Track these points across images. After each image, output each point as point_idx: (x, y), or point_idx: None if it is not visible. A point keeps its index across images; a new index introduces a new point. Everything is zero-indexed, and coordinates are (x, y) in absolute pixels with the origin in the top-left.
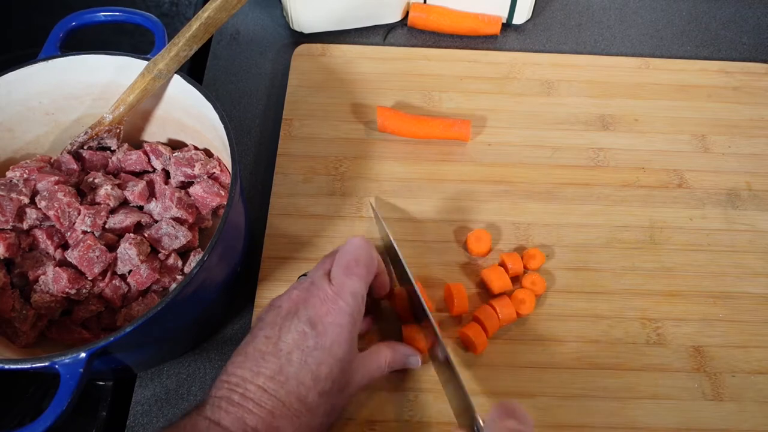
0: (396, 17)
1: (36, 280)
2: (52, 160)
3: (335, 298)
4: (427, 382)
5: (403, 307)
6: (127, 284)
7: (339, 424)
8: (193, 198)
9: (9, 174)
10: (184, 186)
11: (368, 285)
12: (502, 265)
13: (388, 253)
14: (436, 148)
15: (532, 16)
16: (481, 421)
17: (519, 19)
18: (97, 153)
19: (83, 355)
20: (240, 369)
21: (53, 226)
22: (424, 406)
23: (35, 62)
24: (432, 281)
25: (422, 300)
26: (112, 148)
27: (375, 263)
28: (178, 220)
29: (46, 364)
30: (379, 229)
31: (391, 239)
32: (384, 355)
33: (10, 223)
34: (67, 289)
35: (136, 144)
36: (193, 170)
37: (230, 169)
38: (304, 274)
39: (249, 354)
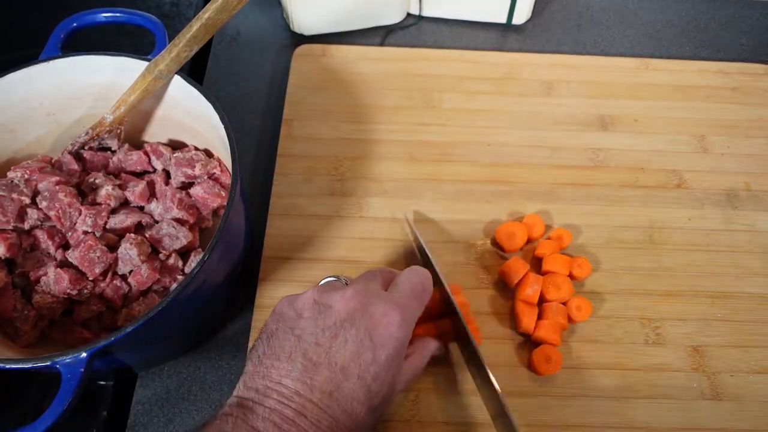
0: (396, 18)
1: (37, 281)
2: (53, 161)
3: (399, 312)
4: (427, 382)
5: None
6: (128, 284)
7: None
8: (193, 199)
9: (10, 174)
10: (185, 186)
11: (421, 312)
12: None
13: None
14: (436, 148)
15: (531, 17)
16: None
17: (518, 19)
18: (98, 153)
19: (84, 354)
20: (289, 379)
21: (54, 226)
22: (425, 406)
23: (36, 63)
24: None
25: (454, 302)
26: (112, 149)
27: (430, 295)
28: (179, 221)
29: (47, 363)
30: (413, 238)
31: (426, 249)
32: (422, 357)
33: (12, 224)
34: (68, 290)
35: (137, 144)
36: (193, 171)
37: (230, 169)
38: (336, 277)
39: (297, 362)
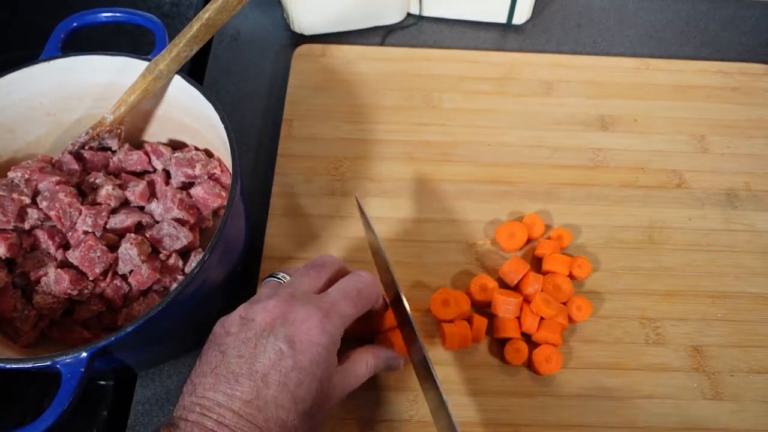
0: (396, 18)
1: (38, 281)
2: (53, 161)
3: (321, 317)
4: None
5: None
6: (128, 284)
7: (338, 424)
8: (194, 199)
9: (10, 174)
10: (185, 186)
11: (355, 318)
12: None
13: (374, 255)
14: (436, 148)
15: (531, 17)
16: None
17: (518, 19)
18: (98, 153)
19: (84, 354)
20: (212, 392)
21: (54, 226)
22: (424, 406)
23: (36, 63)
24: (431, 282)
25: (407, 307)
26: (113, 149)
27: (373, 302)
28: (180, 221)
29: (48, 363)
30: (365, 228)
31: (379, 241)
32: (364, 364)
33: (12, 223)
34: (68, 290)
35: (137, 144)
36: (193, 171)
37: (231, 169)
38: (273, 276)
39: (221, 375)
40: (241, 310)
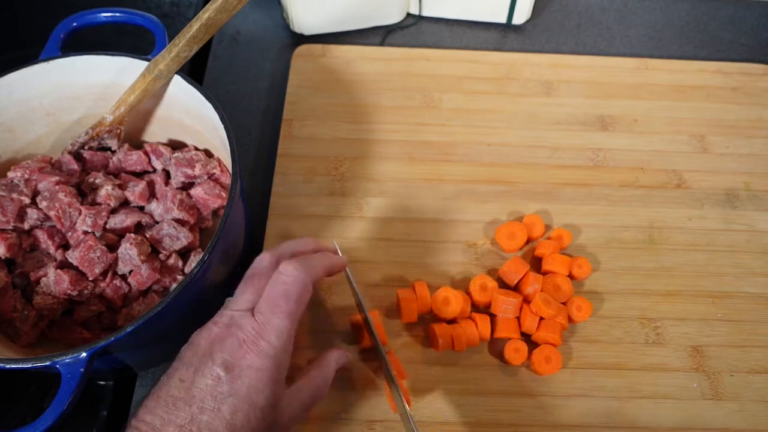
0: (396, 18)
1: (37, 282)
2: (52, 161)
3: (257, 338)
4: (427, 382)
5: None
6: (128, 284)
7: (338, 424)
8: (194, 200)
9: (10, 174)
10: (185, 187)
11: (298, 320)
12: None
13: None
14: (436, 148)
15: (531, 17)
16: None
17: (518, 19)
18: (98, 153)
19: (84, 354)
20: (150, 415)
21: (54, 226)
22: (424, 405)
23: (36, 63)
24: (431, 282)
25: (375, 332)
26: (112, 149)
27: (309, 293)
28: (180, 222)
29: (47, 363)
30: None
31: (349, 275)
32: (319, 380)
33: (11, 224)
34: (68, 291)
35: (137, 144)
36: (193, 171)
37: (230, 169)
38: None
39: (161, 399)
40: (194, 335)
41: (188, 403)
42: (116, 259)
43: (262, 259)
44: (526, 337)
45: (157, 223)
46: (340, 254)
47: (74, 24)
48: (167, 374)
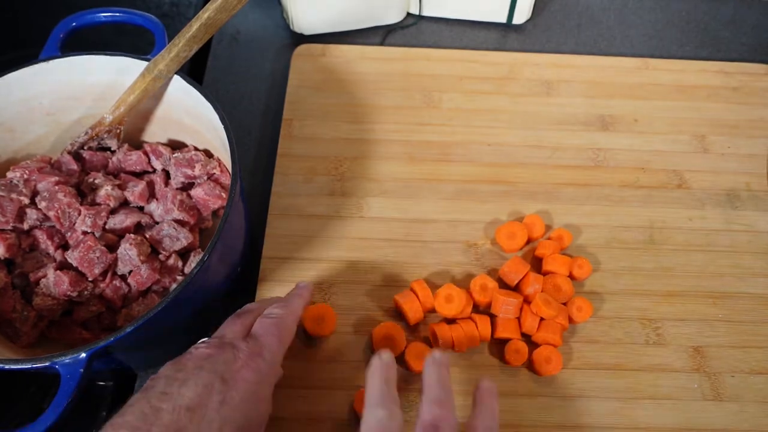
0: (396, 18)
1: (37, 282)
2: (52, 161)
3: (252, 356)
4: None
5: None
6: (128, 285)
7: (338, 424)
8: (194, 200)
9: (9, 174)
10: (185, 187)
11: (284, 353)
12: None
13: None
14: (436, 148)
15: (531, 17)
16: None
17: (519, 19)
18: (98, 153)
19: (83, 355)
20: (125, 429)
21: (53, 226)
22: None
23: (36, 63)
24: (431, 282)
25: None
26: (112, 149)
27: (295, 326)
28: (180, 222)
29: (47, 364)
30: None
31: None
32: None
33: (11, 224)
34: (68, 292)
35: (137, 144)
36: (193, 171)
37: (230, 169)
38: (203, 341)
39: (138, 412)
40: (168, 364)
41: (174, 413)
42: (116, 260)
43: (252, 305)
44: (527, 338)
45: (157, 223)
46: (304, 284)
47: (74, 24)
48: (142, 392)
